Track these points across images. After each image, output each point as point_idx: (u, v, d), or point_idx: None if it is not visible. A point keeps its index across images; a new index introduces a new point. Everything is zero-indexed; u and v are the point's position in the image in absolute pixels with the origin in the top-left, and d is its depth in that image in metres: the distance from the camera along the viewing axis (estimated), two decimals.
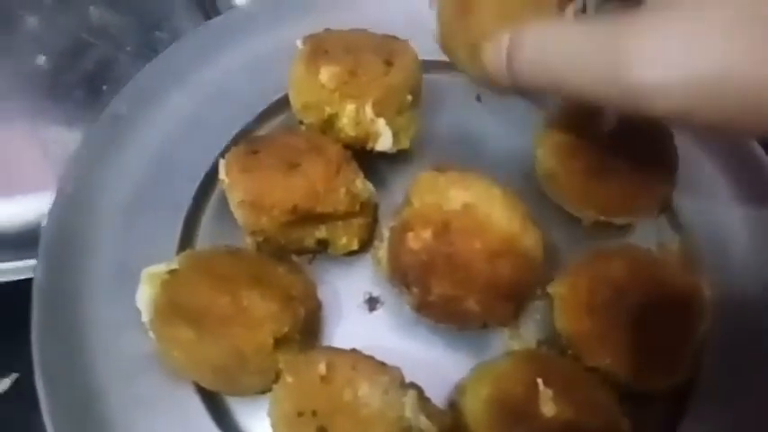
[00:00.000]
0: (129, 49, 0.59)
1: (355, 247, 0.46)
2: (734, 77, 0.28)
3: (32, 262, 0.45)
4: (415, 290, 0.41)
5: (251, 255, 0.45)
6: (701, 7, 0.29)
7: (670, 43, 0.29)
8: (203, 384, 0.42)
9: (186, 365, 0.41)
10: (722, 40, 0.28)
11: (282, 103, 0.52)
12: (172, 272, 0.42)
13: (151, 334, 0.41)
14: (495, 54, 0.36)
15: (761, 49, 0.27)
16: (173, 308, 0.40)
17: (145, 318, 0.42)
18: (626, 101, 0.31)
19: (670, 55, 0.29)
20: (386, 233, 0.44)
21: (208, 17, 0.60)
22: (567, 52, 0.33)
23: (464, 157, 0.51)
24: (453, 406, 0.41)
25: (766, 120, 0.29)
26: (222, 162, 0.45)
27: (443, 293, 0.40)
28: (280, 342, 0.39)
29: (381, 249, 0.44)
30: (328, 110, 0.46)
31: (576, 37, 0.32)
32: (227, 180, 0.44)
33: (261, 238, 0.44)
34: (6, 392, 0.52)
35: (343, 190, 0.43)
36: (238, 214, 0.44)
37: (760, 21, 0.28)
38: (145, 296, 0.42)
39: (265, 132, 0.52)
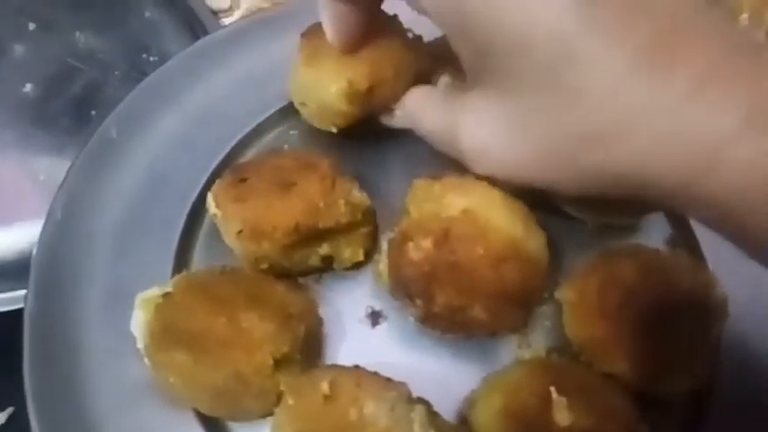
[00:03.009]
0: (117, 73, 0.57)
1: (361, 257, 0.44)
2: (524, 167, 0.34)
3: (23, 292, 0.43)
4: (418, 301, 0.38)
5: (247, 274, 0.42)
6: (505, 92, 0.34)
7: (483, 123, 0.35)
8: (202, 410, 0.40)
9: (184, 391, 0.38)
10: (514, 132, 0.34)
11: (273, 121, 0.51)
12: (166, 295, 0.39)
13: (147, 361, 0.39)
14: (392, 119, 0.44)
15: (541, 154, 0.33)
16: (168, 332, 0.38)
17: (140, 344, 0.39)
18: (459, 160, 0.38)
19: (482, 132, 0.35)
20: (384, 245, 0.42)
21: (196, 38, 0.59)
22: (427, 120, 0.40)
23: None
24: (464, 420, 0.39)
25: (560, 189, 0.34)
26: (210, 196, 0.43)
27: (448, 303, 0.37)
28: (280, 362, 0.37)
29: (381, 262, 0.41)
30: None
31: (431, 107, 0.40)
32: (219, 213, 0.42)
33: (265, 265, 0.42)
34: (2, 427, 0.50)
35: (342, 202, 0.41)
36: (237, 246, 0.42)
37: (548, 123, 0.32)
38: (139, 322, 0.39)
39: (256, 151, 0.50)
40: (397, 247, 0.39)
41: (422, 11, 0.35)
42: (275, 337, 0.37)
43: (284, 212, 0.40)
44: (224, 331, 0.37)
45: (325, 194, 0.41)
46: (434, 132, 0.39)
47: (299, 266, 0.43)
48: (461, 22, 0.33)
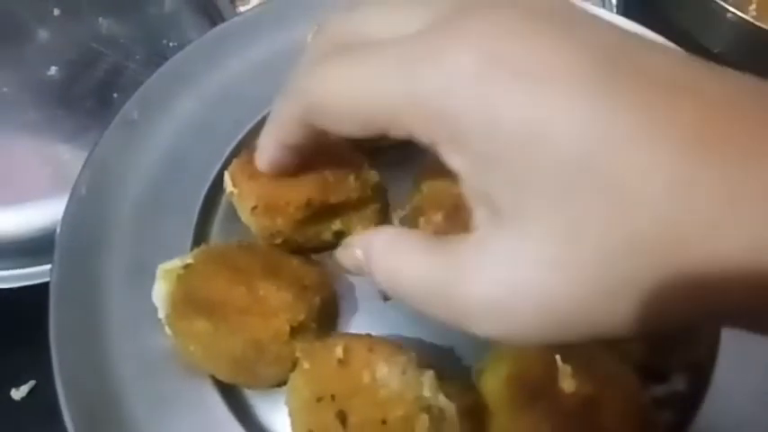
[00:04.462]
0: (138, 57, 0.58)
1: None
2: (556, 311, 0.23)
3: (48, 267, 0.43)
4: None
5: (264, 248, 0.43)
6: (523, 230, 0.23)
7: (500, 290, 0.24)
8: (221, 377, 0.40)
9: (204, 359, 0.39)
10: (540, 272, 0.23)
11: None
12: (187, 266, 0.40)
13: (168, 330, 0.40)
14: (354, 263, 0.31)
15: (580, 283, 0.22)
16: (188, 302, 0.39)
17: (161, 314, 0.40)
18: (454, 321, 0.26)
19: (493, 288, 0.24)
20: (396, 223, 0.42)
21: (214, 24, 0.60)
22: (410, 271, 0.27)
23: None
24: (471, 388, 0.39)
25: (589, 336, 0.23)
26: (227, 174, 0.43)
27: None
28: (296, 330, 0.38)
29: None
30: None
31: (414, 254, 0.27)
32: (235, 191, 0.42)
33: (279, 240, 0.43)
34: (24, 400, 0.50)
35: (352, 177, 0.42)
36: (252, 221, 0.42)
37: (580, 250, 0.22)
38: (161, 292, 0.40)
39: None
40: (410, 221, 0.40)
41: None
42: (292, 306, 0.38)
43: (296, 188, 0.41)
44: (242, 300, 0.38)
45: (336, 170, 0.42)
46: (417, 288, 0.27)
47: (312, 242, 0.44)
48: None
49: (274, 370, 0.39)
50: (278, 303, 0.38)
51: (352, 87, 0.27)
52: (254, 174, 0.42)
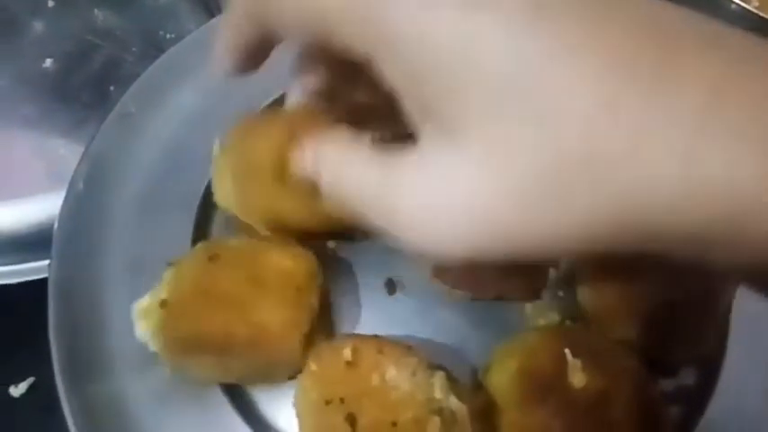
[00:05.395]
0: (134, 49, 0.57)
1: None
2: (484, 223, 0.23)
3: (45, 263, 0.43)
4: None
5: (239, 252, 0.39)
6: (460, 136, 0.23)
7: (436, 200, 0.24)
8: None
9: (209, 378, 0.38)
10: (470, 185, 0.23)
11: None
12: (163, 303, 0.37)
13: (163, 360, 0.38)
14: (303, 172, 0.31)
15: (509, 198, 0.22)
16: (182, 341, 0.36)
17: (153, 348, 0.37)
18: (387, 230, 0.26)
19: (437, 214, 0.24)
20: None
21: (211, 16, 0.59)
22: (352, 179, 0.27)
23: None
24: (479, 386, 0.38)
25: (536, 257, 0.23)
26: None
27: None
28: (306, 340, 0.37)
29: None
30: None
31: (357, 164, 0.27)
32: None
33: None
34: (22, 397, 0.49)
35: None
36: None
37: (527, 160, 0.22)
38: (145, 331, 0.37)
39: None
40: None
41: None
42: (295, 321, 0.36)
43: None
44: (243, 331, 0.36)
45: None
46: (357, 195, 0.27)
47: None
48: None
49: (288, 370, 0.38)
50: (280, 326, 0.36)
51: None
52: None
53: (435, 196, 0.24)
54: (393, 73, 0.24)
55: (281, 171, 0.37)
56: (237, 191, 0.41)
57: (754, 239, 0.20)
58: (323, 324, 0.39)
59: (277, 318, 0.36)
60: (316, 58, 0.34)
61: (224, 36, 0.32)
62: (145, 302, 0.38)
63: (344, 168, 0.28)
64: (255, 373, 0.38)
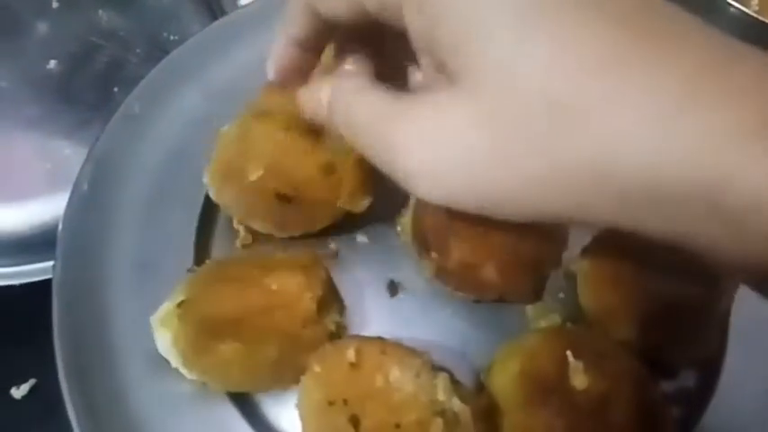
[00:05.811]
0: (138, 50, 0.57)
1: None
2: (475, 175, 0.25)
3: (49, 264, 0.43)
4: (434, 254, 0.38)
5: (246, 257, 0.43)
6: (457, 96, 0.25)
7: (426, 135, 0.26)
8: (263, 389, 0.40)
9: (242, 377, 0.38)
10: (469, 131, 0.25)
11: None
12: (181, 303, 0.37)
13: (188, 374, 0.38)
14: (315, 105, 0.33)
15: (501, 149, 0.24)
16: (204, 332, 0.37)
17: (174, 363, 0.38)
18: (399, 180, 0.28)
19: (425, 146, 0.26)
20: (413, 199, 0.42)
21: (215, 18, 0.59)
22: (361, 115, 0.29)
23: None
24: (481, 388, 0.38)
25: (509, 212, 0.26)
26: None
27: (462, 259, 0.38)
28: (320, 306, 0.37)
29: (405, 216, 0.42)
30: None
31: (366, 103, 0.29)
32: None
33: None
34: (24, 398, 0.49)
35: None
36: None
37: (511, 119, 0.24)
38: (166, 341, 0.38)
39: None
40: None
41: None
42: (308, 284, 0.37)
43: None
44: (259, 299, 0.37)
45: None
46: (367, 132, 0.29)
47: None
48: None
49: (306, 346, 0.38)
50: (295, 286, 0.37)
51: None
52: None
53: (436, 149, 0.26)
54: (415, 19, 0.26)
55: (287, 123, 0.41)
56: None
57: (732, 211, 0.20)
58: (333, 295, 0.40)
59: (291, 282, 0.37)
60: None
61: (283, 30, 0.33)
62: (162, 311, 0.38)
63: (359, 98, 0.30)
64: (284, 361, 0.37)
